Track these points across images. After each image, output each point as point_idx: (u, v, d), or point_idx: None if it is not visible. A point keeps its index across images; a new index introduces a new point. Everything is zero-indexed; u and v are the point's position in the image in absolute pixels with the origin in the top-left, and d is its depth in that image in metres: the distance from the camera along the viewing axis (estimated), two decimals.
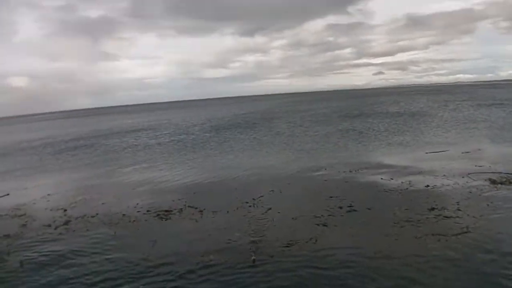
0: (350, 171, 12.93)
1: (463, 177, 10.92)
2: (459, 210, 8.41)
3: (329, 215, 8.90)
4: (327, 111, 49.10)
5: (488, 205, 8.57)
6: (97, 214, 10.35)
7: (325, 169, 13.63)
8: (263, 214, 9.41)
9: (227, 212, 9.82)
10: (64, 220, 9.97)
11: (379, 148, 17.56)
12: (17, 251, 8.10)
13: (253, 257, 6.95)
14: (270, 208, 9.72)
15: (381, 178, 11.66)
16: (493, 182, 10.19)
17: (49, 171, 18.64)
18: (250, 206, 10.08)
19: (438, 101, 52.61)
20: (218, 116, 49.97)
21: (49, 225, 9.65)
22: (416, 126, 24.88)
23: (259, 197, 10.69)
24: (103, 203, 11.32)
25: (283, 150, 19.34)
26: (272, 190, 11.31)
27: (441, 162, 12.98)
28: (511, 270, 5.83)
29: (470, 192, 9.53)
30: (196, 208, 10.27)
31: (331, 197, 10.24)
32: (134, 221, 9.59)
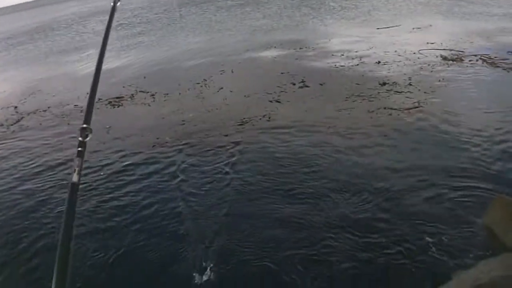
0: (301, 48, 12.60)
1: (414, 53, 10.87)
2: (411, 85, 8.43)
3: (281, 92, 8.76)
4: None
5: (439, 81, 8.62)
6: (49, 107, 9.98)
7: (275, 47, 13.25)
8: (215, 93, 9.22)
9: (179, 94, 9.59)
10: (16, 118, 9.57)
11: (331, 25, 17.09)
12: None
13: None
14: (221, 88, 9.50)
15: (332, 55, 11.44)
16: (444, 58, 10.20)
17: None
18: (201, 86, 9.84)
19: None
20: None
21: (1, 125, 9.24)
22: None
23: (210, 77, 10.40)
24: (53, 96, 10.91)
25: (234, 28, 18.60)
26: (223, 70, 10.98)
27: (392, 38, 12.81)
28: (456, 142, 5.93)
29: (421, 68, 9.53)
30: (148, 92, 10.01)
31: (282, 73, 10.03)
32: None
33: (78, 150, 1.69)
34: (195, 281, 3.80)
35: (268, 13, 21.85)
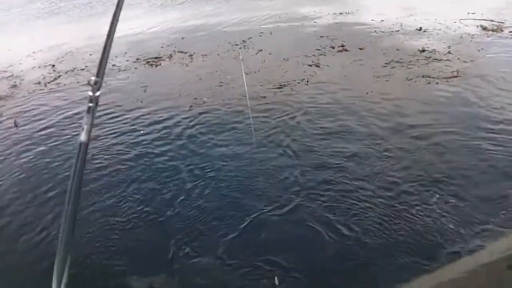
0: (341, 13, 12.53)
1: (454, 22, 10.75)
2: (450, 53, 8.44)
3: (320, 55, 8.88)
4: None
5: (478, 50, 8.58)
6: (86, 66, 10.02)
7: (315, 11, 13.19)
8: (253, 56, 9.32)
9: (218, 55, 9.71)
10: (54, 76, 9.65)
11: None
12: (10, 112, 7.95)
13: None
14: (260, 50, 9.60)
15: (372, 20, 11.38)
16: (484, 28, 10.08)
17: (26, 29, 17.58)
18: (240, 48, 9.93)
19: None
20: None
21: (39, 83, 9.33)
22: None
23: (249, 39, 10.48)
24: (90, 55, 10.88)
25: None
26: (262, 33, 11.03)
27: (433, 6, 12.60)
28: (494, 111, 6.03)
29: (461, 37, 9.47)
30: (186, 52, 10.09)
31: (321, 36, 10.10)
32: (124, 70, 9.46)
33: (88, 106, 1.51)
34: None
35: None
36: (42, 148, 6.32)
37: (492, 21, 10.74)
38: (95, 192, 5.03)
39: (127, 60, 10.10)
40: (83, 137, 1.39)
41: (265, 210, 4.41)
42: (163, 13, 15.93)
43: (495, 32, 9.81)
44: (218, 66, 8.98)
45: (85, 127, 1.43)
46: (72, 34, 13.73)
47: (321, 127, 6.00)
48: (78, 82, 9.04)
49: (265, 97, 7.20)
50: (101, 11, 16.80)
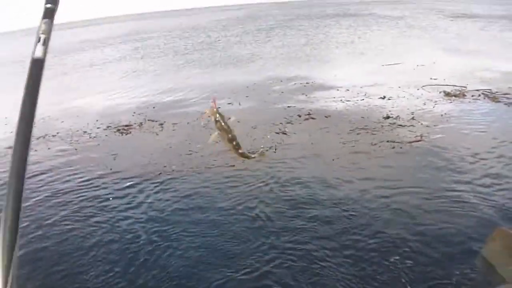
0: (307, 83, 12.94)
1: (417, 89, 11.15)
2: (414, 119, 8.66)
3: (288, 123, 9.02)
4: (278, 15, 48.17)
5: (441, 115, 8.85)
6: (57, 133, 10.08)
7: (281, 81, 13.58)
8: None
9: (187, 123, 9.79)
10: None
11: (339, 59, 17.45)
12: None
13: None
14: (229, 118, 9.65)
15: (338, 89, 11.76)
16: (447, 94, 10.46)
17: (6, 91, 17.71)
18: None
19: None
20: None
21: (10, 147, 9.16)
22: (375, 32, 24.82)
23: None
24: (62, 122, 11.01)
25: (242, 62, 19.03)
26: (231, 103, 11.23)
27: (396, 74, 13.14)
28: (457, 176, 6.10)
29: (424, 104, 9.78)
30: (156, 121, 10.21)
31: (289, 106, 10.32)
32: (95, 137, 9.47)
33: (46, 8, 1.05)
34: None
35: (277, 45, 22.37)
36: None
37: (454, 86, 11.17)
38: (59, 251, 4.95)
39: (98, 128, 10.12)
40: (38, 51, 0.97)
41: (231, 276, 4.25)
42: (136, 81, 16.20)
43: (457, 98, 10.16)
44: (188, 134, 9.01)
45: (41, 37, 1.00)
46: (43, 101, 13.69)
47: (288, 194, 5.95)
48: (49, 148, 9.03)
49: (233, 165, 7.16)
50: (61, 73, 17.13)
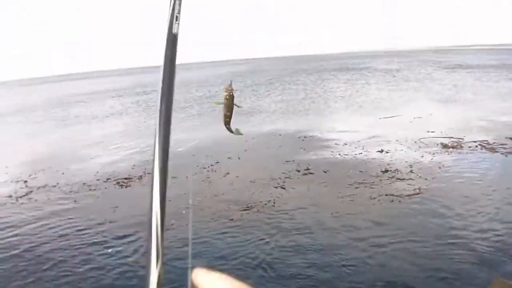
0: (305, 136, 13.07)
1: (415, 142, 11.25)
2: (412, 172, 8.69)
3: (286, 178, 9.03)
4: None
5: (439, 167, 8.89)
6: (57, 184, 10.17)
7: (280, 135, 13.72)
8: (221, 178, 9.44)
9: (186, 177, 9.80)
10: (26, 191, 9.75)
11: (337, 112, 17.72)
12: None
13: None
14: (228, 173, 9.76)
15: (336, 143, 11.86)
16: (444, 146, 10.55)
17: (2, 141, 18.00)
18: (208, 171, 10.08)
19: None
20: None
21: (10, 196, 9.46)
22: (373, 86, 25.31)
23: (217, 163, 10.69)
24: (63, 173, 11.11)
25: (242, 115, 19.30)
26: (230, 156, 11.31)
27: (394, 127, 13.30)
28: (457, 229, 6.09)
29: (422, 156, 9.84)
30: None
31: (287, 161, 10.36)
32: (94, 189, 9.50)
33: None
34: None
35: (276, 99, 22.75)
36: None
37: (451, 138, 11.29)
38: None
39: (97, 180, 10.16)
40: (175, 28, 1.01)
41: None
42: (137, 133, 16.40)
43: (455, 149, 10.24)
44: (186, 188, 9.02)
45: (177, 15, 1.02)
46: (46, 150, 13.98)
47: (290, 245, 5.92)
48: (49, 199, 9.06)
49: (232, 219, 7.16)
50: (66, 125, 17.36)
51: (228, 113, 1.87)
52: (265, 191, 8.36)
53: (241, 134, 1.97)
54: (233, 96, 1.83)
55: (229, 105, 1.86)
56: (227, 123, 1.89)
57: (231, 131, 1.94)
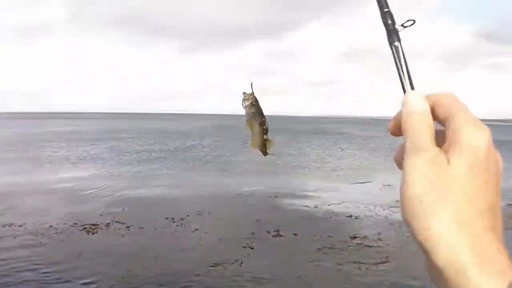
0: (276, 197, 13.12)
1: (384, 209, 11.40)
2: (380, 240, 8.76)
3: (255, 238, 8.96)
4: None
5: (407, 236, 8.93)
6: (24, 223, 9.86)
7: (252, 193, 13.74)
8: (190, 233, 9.33)
9: (154, 229, 9.66)
10: None
11: (308, 176, 17.92)
12: None
13: None
14: (197, 229, 9.64)
15: (306, 206, 11.92)
16: None
17: None
18: (177, 225, 9.95)
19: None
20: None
21: None
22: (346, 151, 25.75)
23: (186, 217, 10.57)
24: (30, 213, 10.82)
25: (215, 170, 19.31)
26: (200, 211, 11.20)
27: (364, 194, 13.50)
28: None
29: (391, 224, 9.94)
30: (123, 223, 10.02)
31: (258, 220, 10.33)
32: (60, 233, 9.26)
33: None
34: None
35: (250, 158, 22.87)
36: None
37: None
38: None
39: (64, 224, 9.87)
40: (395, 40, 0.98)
41: None
42: (108, 181, 16.18)
43: None
44: (154, 240, 8.88)
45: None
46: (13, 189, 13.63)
47: None
48: (14, 238, 8.88)
49: (199, 274, 7.04)
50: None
51: (260, 127, 1.18)
52: (234, 250, 8.26)
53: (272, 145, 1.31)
54: (258, 102, 1.21)
55: (259, 113, 1.22)
56: (262, 144, 1.21)
57: (266, 153, 1.27)
